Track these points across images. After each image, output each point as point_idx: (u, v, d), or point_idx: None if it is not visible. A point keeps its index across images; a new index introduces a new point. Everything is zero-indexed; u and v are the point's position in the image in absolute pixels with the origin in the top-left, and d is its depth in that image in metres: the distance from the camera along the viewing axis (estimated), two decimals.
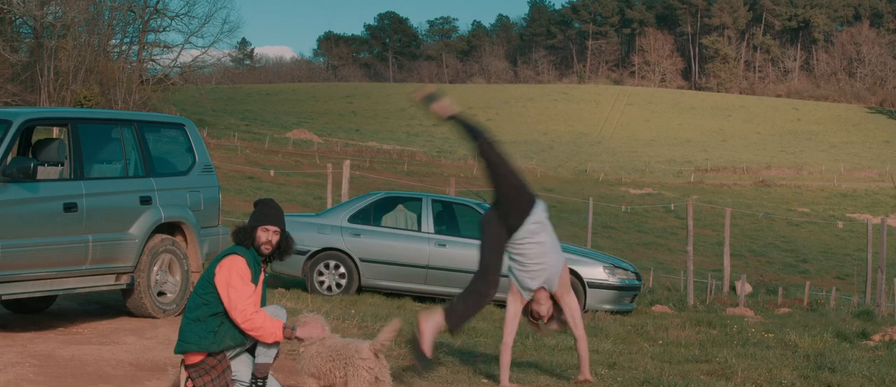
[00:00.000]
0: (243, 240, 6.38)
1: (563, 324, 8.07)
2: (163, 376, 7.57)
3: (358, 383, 6.14)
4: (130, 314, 9.80)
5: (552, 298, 7.92)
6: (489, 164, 7.78)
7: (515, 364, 8.46)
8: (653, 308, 16.19)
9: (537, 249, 7.72)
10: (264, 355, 6.31)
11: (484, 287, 7.71)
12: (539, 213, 7.74)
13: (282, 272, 14.78)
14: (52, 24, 62.41)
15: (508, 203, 7.72)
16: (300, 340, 6.32)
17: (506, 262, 7.85)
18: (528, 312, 7.98)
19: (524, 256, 7.74)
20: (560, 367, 8.88)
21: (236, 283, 6.20)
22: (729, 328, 12.75)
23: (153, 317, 9.73)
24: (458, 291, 14.05)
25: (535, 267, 7.75)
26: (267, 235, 6.37)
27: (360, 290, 14.18)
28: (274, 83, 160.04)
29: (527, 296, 7.87)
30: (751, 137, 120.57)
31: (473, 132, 7.84)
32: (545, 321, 8.02)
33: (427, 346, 7.54)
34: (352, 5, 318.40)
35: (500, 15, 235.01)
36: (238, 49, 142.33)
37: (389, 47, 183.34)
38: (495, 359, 8.91)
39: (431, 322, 7.57)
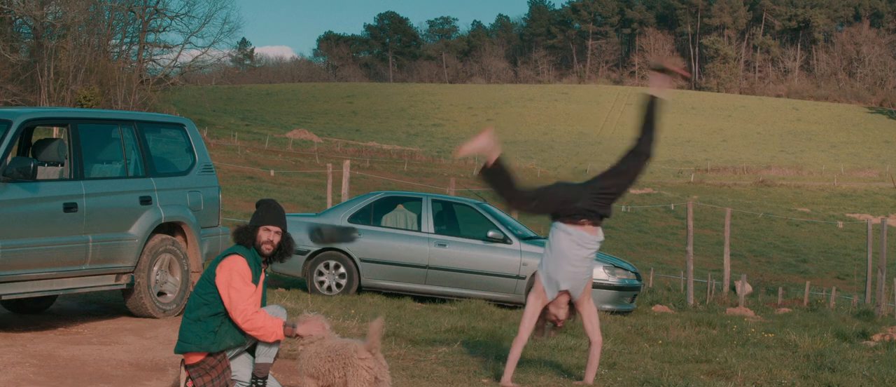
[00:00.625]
0: (244, 240, 6.38)
1: (557, 332, 8.10)
2: (163, 376, 7.57)
3: (357, 384, 6.14)
4: (130, 314, 9.80)
5: (570, 305, 7.93)
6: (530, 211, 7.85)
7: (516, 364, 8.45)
8: (653, 308, 16.19)
9: (584, 254, 7.73)
10: (264, 355, 6.31)
11: (518, 196, 7.74)
12: (600, 233, 7.79)
13: (282, 272, 14.78)
14: (52, 24, 62.41)
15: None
16: (301, 337, 6.32)
17: (545, 253, 7.80)
18: (544, 314, 7.96)
19: (570, 255, 7.71)
20: (560, 367, 8.89)
21: (237, 283, 6.21)
22: (729, 328, 12.75)
23: (153, 317, 9.73)
24: (458, 290, 14.09)
25: (571, 269, 7.72)
26: (268, 236, 6.38)
27: (360, 290, 14.18)
28: (274, 83, 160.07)
29: (550, 296, 7.82)
30: (751, 137, 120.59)
31: (508, 192, 7.81)
32: (560, 326, 8.02)
33: (475, 146, 7.69)
34: (352, 5, 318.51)
35: (500, 15, 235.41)
36: (238, 49, 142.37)
37: (389, 47, 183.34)
38: (495, 359, 8.92)
39: (489, 139, 7.67)
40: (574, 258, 7.68)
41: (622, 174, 7.77)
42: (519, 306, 13.88)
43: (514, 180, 7.78)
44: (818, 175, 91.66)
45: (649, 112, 7.78)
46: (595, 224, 7.73)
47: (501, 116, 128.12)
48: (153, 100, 69.09)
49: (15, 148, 8.95)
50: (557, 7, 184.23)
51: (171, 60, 77.06)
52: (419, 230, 14.33)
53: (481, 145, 7.71)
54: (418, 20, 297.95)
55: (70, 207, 8.87)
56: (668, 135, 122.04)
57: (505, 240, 14.14)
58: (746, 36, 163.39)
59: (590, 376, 8.13)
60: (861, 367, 9.35)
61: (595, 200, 7.66)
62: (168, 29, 78.66)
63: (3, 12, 58.31)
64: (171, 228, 9.94)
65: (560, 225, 7.70)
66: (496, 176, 7.73)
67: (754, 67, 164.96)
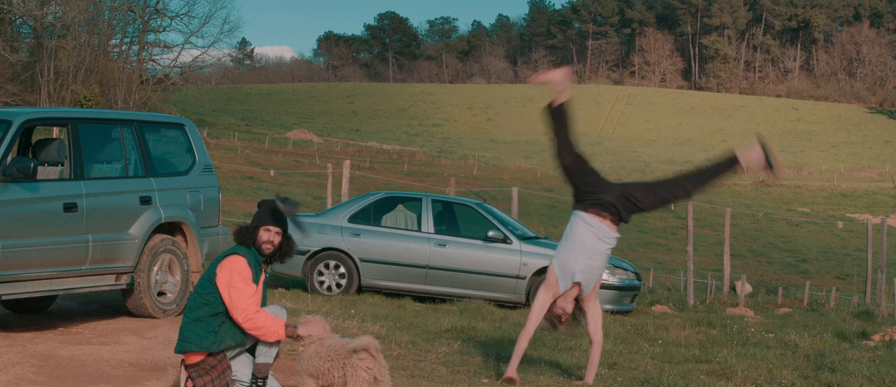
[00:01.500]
0: (245, 240, 6.38)
1: (573, 327, 8.14)
2: (163, 376, 7.57)
3: (357, 383, 6.14)
4: (130, 314, 9.80)
5: (576, 301, 7.98)
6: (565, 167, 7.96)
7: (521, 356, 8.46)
8: (653, 308, 16.19)
9: (603, 248, 7.80)
10: (264, 355, 6.31)
11: (566, 146, 7.91)
12: (617, 232, 7.92)
13: (282, 272, 14.78)
14: (52, 24, 62.40)
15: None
16: (301, 337, 6.32)
17: (562, 244, 7.84)
18: (551, 309, 8.00)
19: (589, 246, 7.79)
20: (560, 367, 8.89)
21: (238, 283, 6.21)
22: (729, 328, 12.75)
23: (153, 317, 9.73)
24: (458, 290, 14.08)
25: (588, 261, 7.77)
26: (268, 236, 6.38)
27: (360, 290, 14.18)
28: (274, 83, 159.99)
29: (563, 286, 7.84)
30: (751, 137, 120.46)
31: (560, 137, 7.92)
32: (563, 320, 8.05)
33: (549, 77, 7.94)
34: (352, 5, 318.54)
35: (500, 15, 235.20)
36: (238, 49, 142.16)
37: (389, 47, 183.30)
38: (495, 358, 8.92)
39: (563, 77, 7.92)
40: (592, 250, 7.76)
41: (655, 195, 7.91)
42: (519, 306, 13.89)
43: (570, 128, 7.94)
44: (818, 175, 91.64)
45: (558, 118, 7.98)
46: (614, 222, 7.83)
47: (501, 116, 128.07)
48: (153, 100, 69.07)
49: (15, 148, 8.95)
50: (557, 7, 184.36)
51: (171, 60, 77.12)
52: (419, 230, 14.33)
53: (555, 79, 7.91)
54: (418, 20, 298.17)
55: (70, 207, 8.87)
56: (669, 135, 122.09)
57: (505, 240, 14.14)
58: (746, 36, 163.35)
59: (590, 376, 8.14)
60: (861, 367, 9.35)
61: (621, 201, 7.79)
62: (168, 29, 78.75)
63: (3, 12, 58.30)
64: (171, 228, 9.94)
65: (582, 215, 7.80)
66: (557, 117, 7.92)
67: (754, 67, 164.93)
